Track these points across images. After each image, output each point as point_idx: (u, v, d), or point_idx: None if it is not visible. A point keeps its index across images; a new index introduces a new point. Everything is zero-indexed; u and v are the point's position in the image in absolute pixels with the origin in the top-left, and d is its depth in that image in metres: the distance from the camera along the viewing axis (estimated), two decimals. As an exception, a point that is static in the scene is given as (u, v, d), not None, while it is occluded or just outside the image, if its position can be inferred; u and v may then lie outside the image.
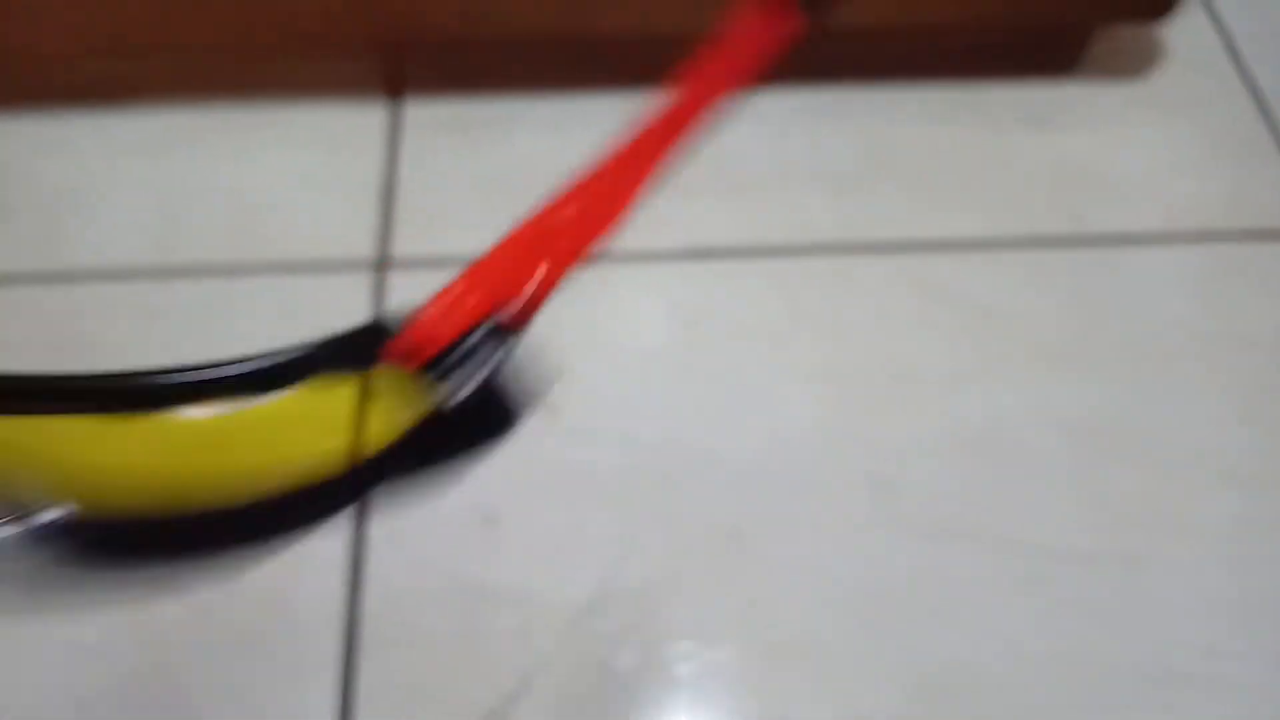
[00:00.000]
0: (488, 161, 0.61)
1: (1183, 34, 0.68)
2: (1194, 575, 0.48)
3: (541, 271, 0.23)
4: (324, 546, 0.47)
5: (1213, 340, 0.55)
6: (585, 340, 0.54)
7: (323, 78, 0.63)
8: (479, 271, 0.21)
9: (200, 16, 0.55)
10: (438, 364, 0.21)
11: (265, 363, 0.21)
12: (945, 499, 0.50)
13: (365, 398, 0.22)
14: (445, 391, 0.21)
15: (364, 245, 0.57)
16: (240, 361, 0.21)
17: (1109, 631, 0.47)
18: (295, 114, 0.63)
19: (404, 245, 0.57)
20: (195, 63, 0.61)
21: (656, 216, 0.59)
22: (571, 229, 0.22)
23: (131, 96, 0.63)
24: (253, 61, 0.62)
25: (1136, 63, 0.67)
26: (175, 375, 0.21)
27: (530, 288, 0.22)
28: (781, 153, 0.62)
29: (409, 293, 0.55)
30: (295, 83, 0.63)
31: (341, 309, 0.54)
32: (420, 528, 0.48)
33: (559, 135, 0.62)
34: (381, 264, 0.56)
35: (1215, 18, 0.70)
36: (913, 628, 0.46)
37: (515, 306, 0.22)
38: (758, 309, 0.56)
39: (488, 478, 0.49)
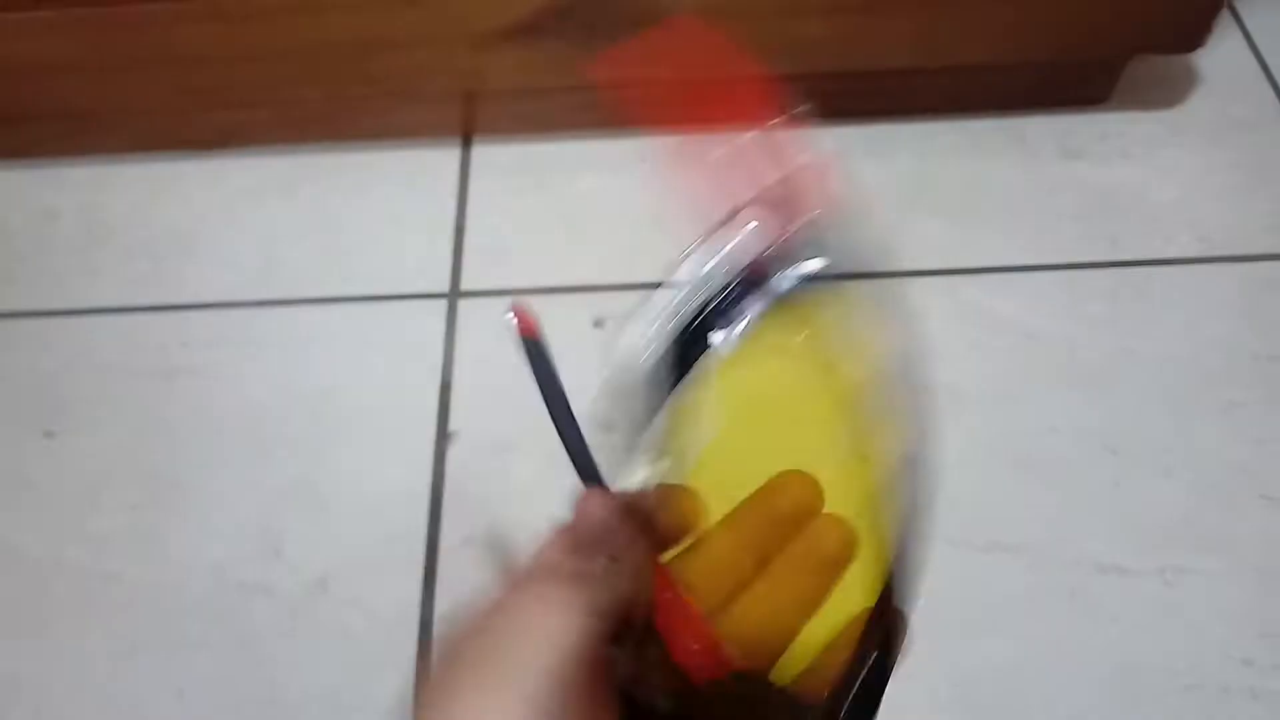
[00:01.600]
0: (549, 200, 0.66)
1: (1217, 61, 0.69)
2: (1231, 590, 0.49)
3: None
4: (404, 553, 0.52)
5: (1249, 360, 0.57)
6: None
7: (405, 125, 0.69)
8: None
9: (299, 74, 0.61)
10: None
11: None
12: (987, 512, 0.52)
13: None
14: None
15: (439, 279, 0.62)
16: None
17: (1147, 643, 0.48)
18: (381, 157, 0.68)
19: (472, 279, 0.62)
20: (294, 114, 0.67)
21: (707, 247, 0.63)
22: None
23: (236, 144, 0.69)
24: (345, 111, 0.68)
25: (1171, 91, 0.69)
26: None
27: None
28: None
29: (477, 320, 0.60)
30: (381, 130, 0.69)
31: (419, 335, 0.60)
32: (488, 536, 0.52)
33: (618, 176, 0.67)
34: (454, 295, 0.62)
35: (1251, 44, 0.71)
36: (952, 633, 0.49)
37: None
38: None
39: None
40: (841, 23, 0.59)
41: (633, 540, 0.23)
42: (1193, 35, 0.60)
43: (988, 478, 0.53)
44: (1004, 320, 0.59)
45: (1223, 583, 0.49)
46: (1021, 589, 0.50)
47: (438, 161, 0.68)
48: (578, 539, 0.24)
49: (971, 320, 0.59)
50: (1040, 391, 0.56)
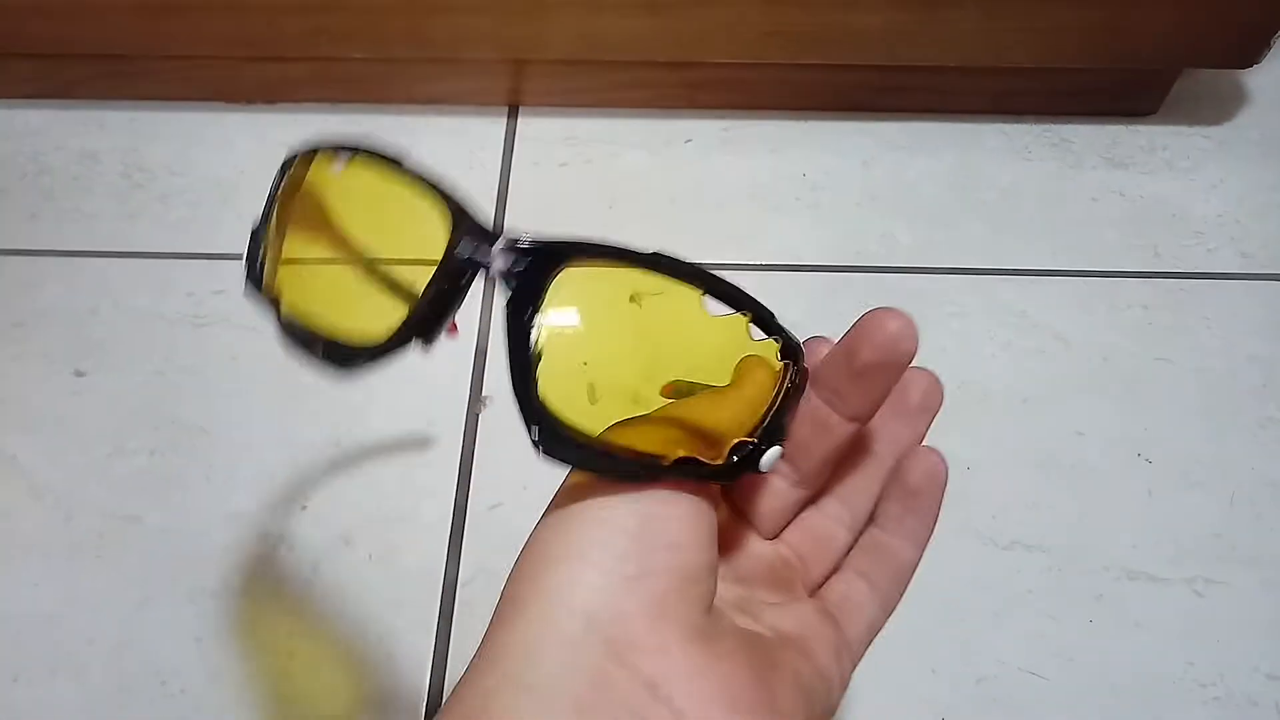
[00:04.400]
0: (593, 175, 0.66)
1: (1267, 80, 0.69)
2: (1261, 604, 0.49)
3: None
4: (431, 514, 0.51)
5: (1288, 378, 0.57)
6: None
7: (452, 91, 0.68)
8: None
9: (346, 30, 0.61)
10: None
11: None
12: (1013, 512, 0.52)
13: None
14: None
15: (477, 244, 0.62)
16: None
17: (1170, 651, 0.48)
18: (425, 122, 0.68)
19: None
20: (338, 72, 0.67)
21: (749, 231, 0.63)
22: None
23: (279, 100, 0.69)
24: (390, 74, 0.67)
25: (1219, 108, 0.69)
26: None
27: None
28: (867, 181, 0.66)
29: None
30: (427, 95, 0.68)
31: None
32: (517, 502, 0.52)
33: (661, 155, 0.67)
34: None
35: (1302, 66, 0.71)
36: (973, 629, 0.48)
37: None
38: (840, 321, 0.59)
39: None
40: (897, 17, 0.59)
41: None
42: (1248, 52, 0.60)
43: (1011, 476, 0.53)
44: (1038, 323, 0.59)
45: (1253, 597, 0.49)
46: (1042, 586, 0.49)
47: (482, 130, 0.68)
48: None
49: (1005, 321, 0.59)
50: (1070, 395, 0.56)
